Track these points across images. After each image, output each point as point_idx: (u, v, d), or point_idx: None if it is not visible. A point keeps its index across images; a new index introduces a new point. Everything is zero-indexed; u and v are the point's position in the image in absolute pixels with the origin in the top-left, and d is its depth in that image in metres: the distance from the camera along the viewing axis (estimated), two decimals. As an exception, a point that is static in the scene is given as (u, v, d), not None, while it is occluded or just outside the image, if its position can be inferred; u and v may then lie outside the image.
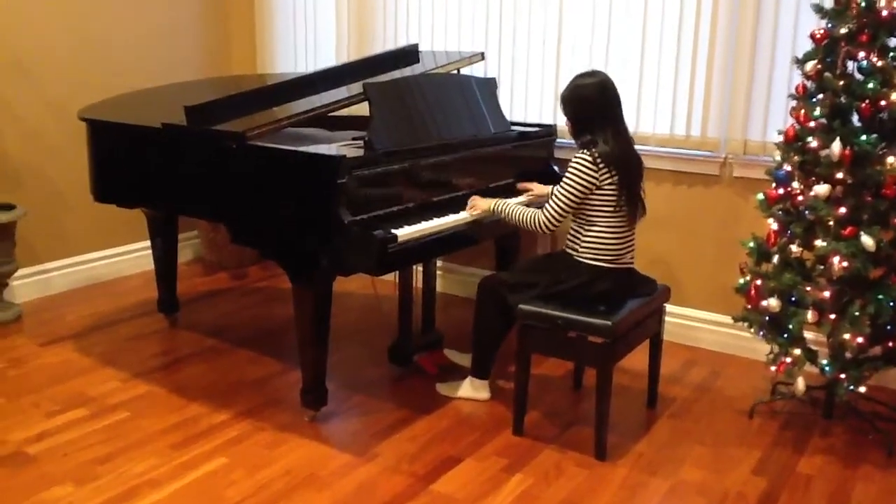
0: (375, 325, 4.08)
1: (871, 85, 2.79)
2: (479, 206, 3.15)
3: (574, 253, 2.98)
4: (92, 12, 4.46)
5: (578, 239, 2.97)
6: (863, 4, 2.79)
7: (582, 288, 2.93)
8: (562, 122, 3.96)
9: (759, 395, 3.33)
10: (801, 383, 2.98)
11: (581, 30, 3.99)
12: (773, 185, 3.04)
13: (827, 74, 2.87)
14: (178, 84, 4.25)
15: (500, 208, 3.09)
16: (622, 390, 3.34)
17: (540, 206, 3.01)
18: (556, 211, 2.91)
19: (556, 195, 2.92)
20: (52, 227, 4.43)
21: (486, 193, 3.35)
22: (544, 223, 2.94)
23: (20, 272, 4.19)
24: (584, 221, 2.95)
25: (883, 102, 2.80)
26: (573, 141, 3.03)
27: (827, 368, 2.97)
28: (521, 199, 3.39)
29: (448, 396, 3.30)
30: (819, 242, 2.88)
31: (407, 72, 3.64)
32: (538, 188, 3.44)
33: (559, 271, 2.98)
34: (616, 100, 2.95)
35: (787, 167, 3.00)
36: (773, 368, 3.07)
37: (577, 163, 2.87)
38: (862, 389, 2.94)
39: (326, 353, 3.04)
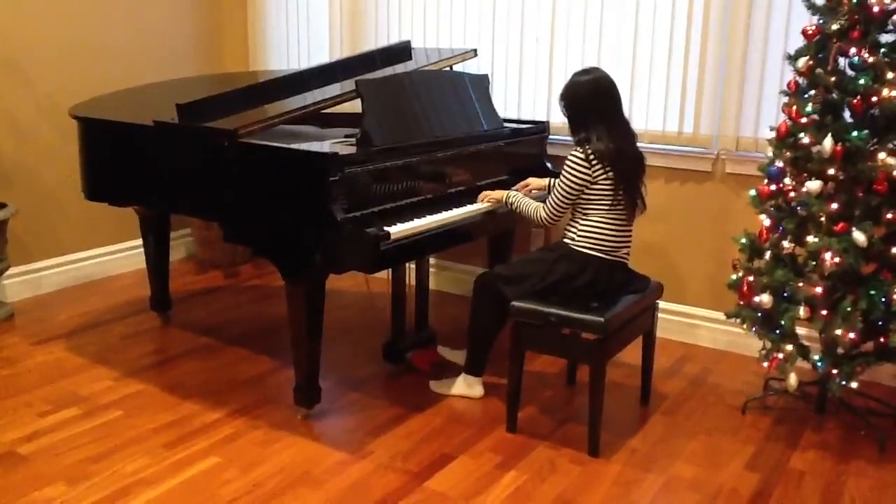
0: (368, 322, 4.07)
1: (862, 81, 2.79)
2: (493, 196, 3.25)
3: (570, 242, 3.00)
4: (83, 10, 4.44)
5: (575, 228, 3.00)
6: (854, 1, 2.80)
7: (575, 278, 2.95)
8: (554, 118, 4.00)
9: (752, 390, 3.34)
10: (793, 379, 2.99)
11: (573, 27, 3.99)
12: (766, 181, 3.05)
13: (819, 70, 2.88)
14: (169, 81, 4.23)
15: (510, 199, 3.19)
16: (615, 387, 3.35)
17: (544, 200, 3.08)
18: (553, 206, 3.00)
19: (553, 191, 3.00)
20: (43, 226, 4.41)
21: (479, 191, 3.36)
22: (544, 218, 3.04)
23: (11, 271, 4.17)
24: (581, 213, 2.98)
25: (874, 98, 2.80)
26: (568, 137, 3.05)
27: (819, 364, 2.98)
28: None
29: (442, 394, 3.30)
30: (811, 238, 2.89)
31: (399, 69, 3.63)
32: (535, 182, 3.45)
33: (554, 261, 3.00)
34: (611, 97, 2.96)
35: (780, 163, 3.00)
36: (765, 364, 3.07)
37: (571, 160, 2.91)
38: (854, 385, 2.95)
39: (319, 351, 3.04)
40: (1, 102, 4.16)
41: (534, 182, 3.46)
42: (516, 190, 3.39)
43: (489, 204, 3.27)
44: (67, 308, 4.24)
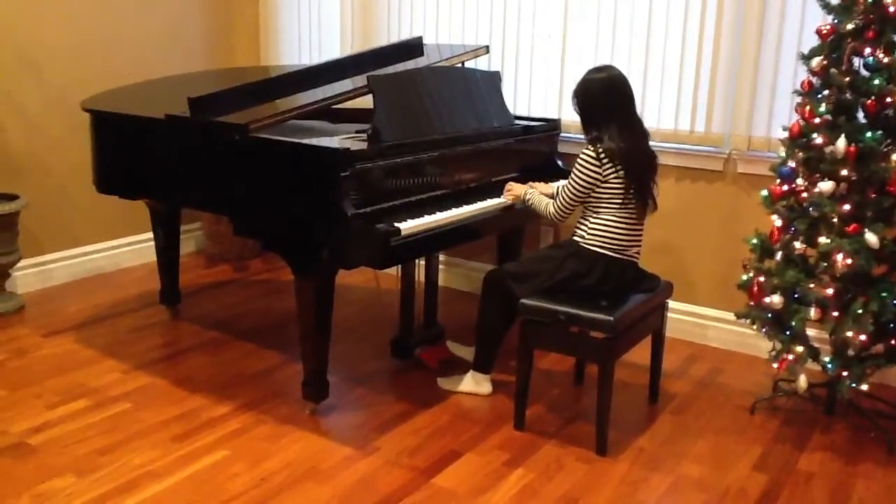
0: (377, 318, 4.08)
1: (876, 81, 2.78)
2: (514, 191, 3.28)
3: (580, 240, 2.99)
4: (95, 4, 4.45)
5: (585, 226, 2.99)
6: (869, 0, 2.78)
7: (584, 276, 2.94)
8: (566, 116, 3.99)
9: (761, 391, 3.33)
10: (802, 380, 2.98)
11: (586, 24, 3.98)
12: (778, 181, 3.03)
13: (832, 71, 2.86)
14: (181, 76, 4.24)
15: (528, 196, 3.21)
16: (624, 386, 3.34)
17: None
18: (563, 203, 3.01)
19: (563, 188, 3.00)
20: (54, 219, 4.43)
21: (489, 188, 3.36)
22: (553, 214, 3.06)
23: (22, 263, 4.19)
24: (591, 211, 2.98)
25: (889, 99, 2.79)
26: (579, 135, 3.04)
27: (829, 366, 2.96)
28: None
29: (449, 390, 3.30)
30: (823, 239, 2.87)
31: (411, 65, 3.63)
32: (541, 188, 3.42)
33: (563, 259, 2.99)
34: (625, 96, 2.95)
35: (792, 164, 2.99)
36: (774, 365, 3.06)
37: (582, 158, 2.91)
38: (864, 387, 2.93)
39: (328, 346, 3.04)
40: (13, 95, 4.18)
41: (538, 187, 3.41)
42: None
43: (510, 198, 3.29)
44: (78, 300, 4.26)
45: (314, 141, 3.07)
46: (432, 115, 3.29)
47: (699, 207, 3.82)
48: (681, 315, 3.87)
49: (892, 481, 2.77)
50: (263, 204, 3.01)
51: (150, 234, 4.08)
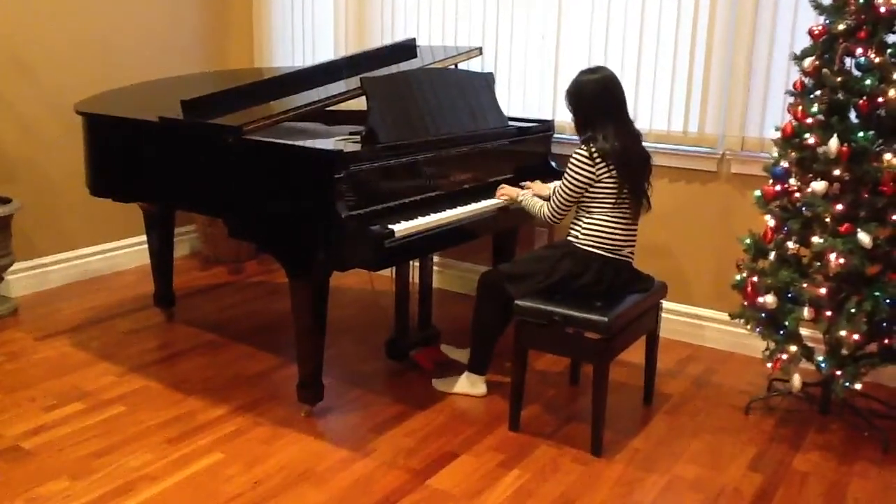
0: (372, 320, 4.08)
1: (868, 81, 2.79)
2: (508, 193, 3.29)
3: (574, 240, 3.00)
4: (90, 6, 4.45)
5: (579, 226, 3.00)
6: (861, 0, 2.79)
7: (579, 276, 2.95)
8: (560, 117, 4.00)
9: (756, 391, 3.34)
10: (796, 380, 2.99)
11: (579, 25, 3.99)
12: (771, 181, 3.04)
13: (825, 71, 2.87)
14: (175, 78, 4.23)
15: (521, 198, 3.22)
16: (619, 386, 3.34)
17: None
18: (557, 204, 3.01)
19: (557, 189, 3.01)
20: (48, 221, 4.42)
21: (483, 189, 3.36)
22: (548, 215, 3.06)
23: (16, 266, 4.18)
24: (585, 211, 2.99)
25: (881, 99, 2.79)
26: (573, 136, 3.04)
27: (823, 365, 2.97)
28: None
29: (445, 392, 3.30)
30: (816, 239, 2.88)
31: (404, 66, 3.63)
32: (538, 187, 3.43)
33: (558, 259, 3.00)
34: (618, 97, 2.97)
35: (785, 164, 3.00)
36: (769, 365, 3.07)
37: (575, 158, 2.91)
38: (858, 386, 2.94)
39: (323, 348, 3.04)
40: (7, 97, 4.17)
41: (536, 187, 3.42)
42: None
43: (504, 199, 3.29)
44: (72, 303, 4.25)
45: (309, 143, 3.07)
46: (426, 117, 3.29)
47: (693, 208, 3.83)
48: (675, 315, 3.88)
49: (887, 480, 2.77)
50: (258, 206, 3.01)
51: (145, 237, 4.07)
